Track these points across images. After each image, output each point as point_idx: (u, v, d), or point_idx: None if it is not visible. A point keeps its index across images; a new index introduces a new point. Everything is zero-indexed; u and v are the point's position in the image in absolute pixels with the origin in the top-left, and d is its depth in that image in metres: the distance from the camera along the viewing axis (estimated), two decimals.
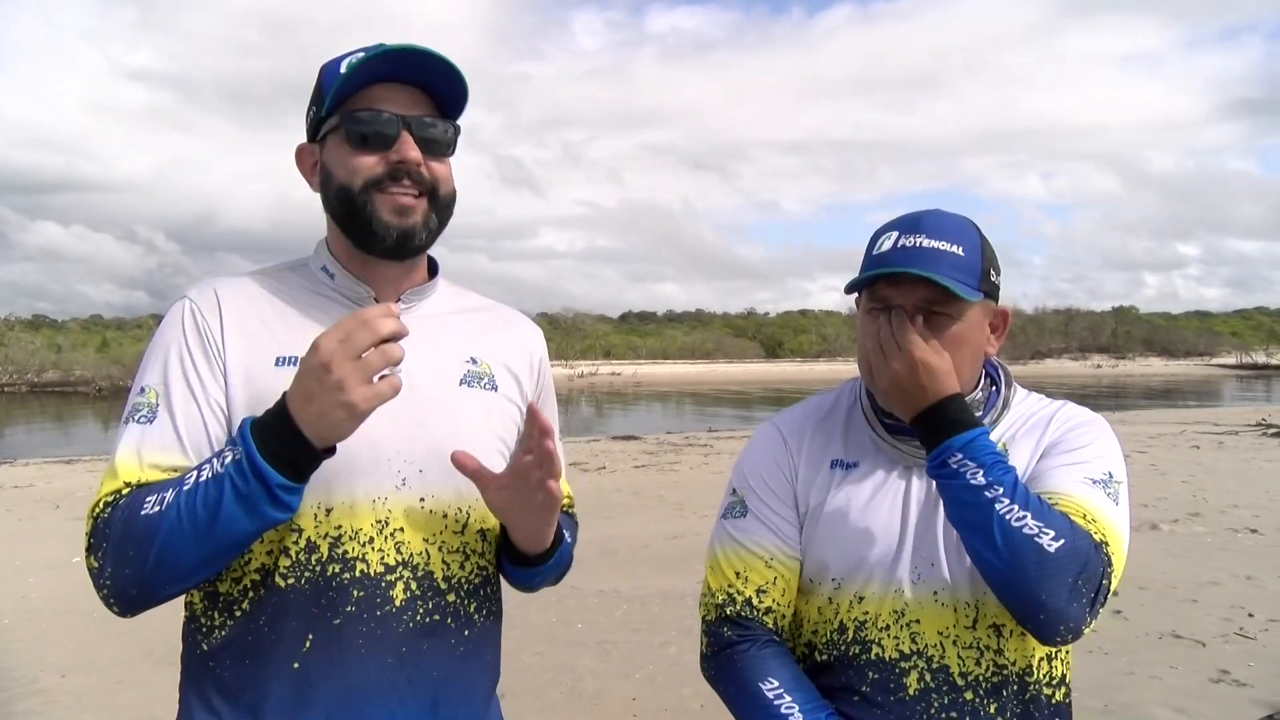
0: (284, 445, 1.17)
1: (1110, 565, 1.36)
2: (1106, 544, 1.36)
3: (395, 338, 1.15)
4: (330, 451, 1.21)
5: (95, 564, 1.26)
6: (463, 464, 1.30)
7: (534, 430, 1.25)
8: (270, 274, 1.46)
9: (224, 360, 1.35)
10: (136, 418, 1.32)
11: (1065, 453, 1.47)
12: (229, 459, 1.19)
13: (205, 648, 1.36)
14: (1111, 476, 1.45)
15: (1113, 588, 1.38)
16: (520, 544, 1.40)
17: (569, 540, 1.52)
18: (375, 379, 1.15)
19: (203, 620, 1.37)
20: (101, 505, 1.27)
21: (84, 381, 52.55)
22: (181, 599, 1.40)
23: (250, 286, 1.43)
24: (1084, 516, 1.37)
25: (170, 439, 1.31)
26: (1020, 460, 1.49)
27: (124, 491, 1.27)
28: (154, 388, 1.34)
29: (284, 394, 1.18)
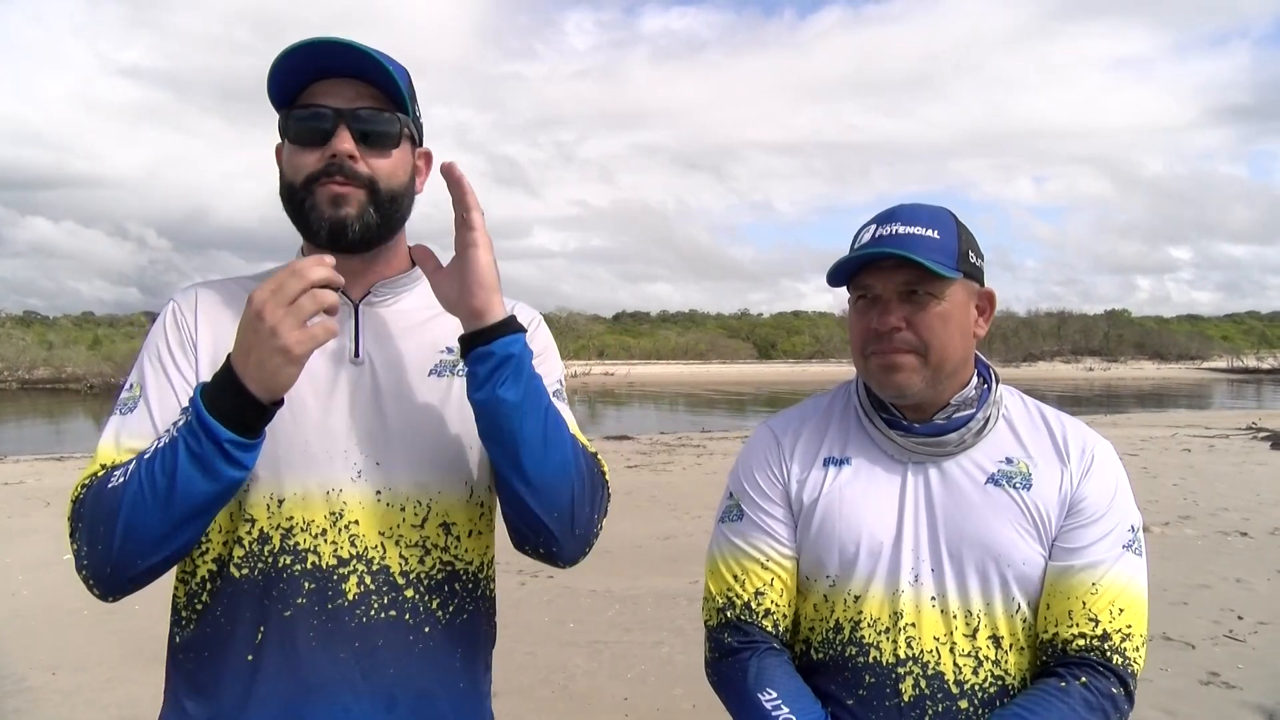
0: (230, 401, 1.18)
1: (1130, 679, 1.43)
2: (1125, 664, 1.43)
3: (328, 285, 1.17)
4: (278, 404, 1.21)
5: (74, 547, 1.28)
6: (420, 258, 1.36)
7: (451, 187, 1.28)
8: (254, 279, 1.49)
9: (197, 353, 1.39)
10: (121, 409, 1.37)
11: (1097, 519, 1.48)
12: (181, 422, 1.21)
13: (178, 640, 1.39)
14: (1134, 529, 1.50)
15: (1141, 657, 1.45)
16: (466, 323, 1.31)
17: (525, 344, 1.31)
18: (310, 323, 1.16)
19: (182, 614, 1.40)
20: (79, 488, 1.30)
21: (75, 378, 52.49)
22: (169, 594, 1.41)
23: (231, 289, 1.46)
24: (1111, 607, 1.44)
25: (145, 424, 1.34)
26: (1051, 486, 1.49)
27: (98, 474, 1.30)
28: (136, 382, 1.39)
29: (229, 354, 1.20)
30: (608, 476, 1.44)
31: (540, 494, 1.30)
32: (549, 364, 1.48)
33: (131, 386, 1.39)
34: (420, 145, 1.48)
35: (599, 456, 1.43)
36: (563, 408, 1.42)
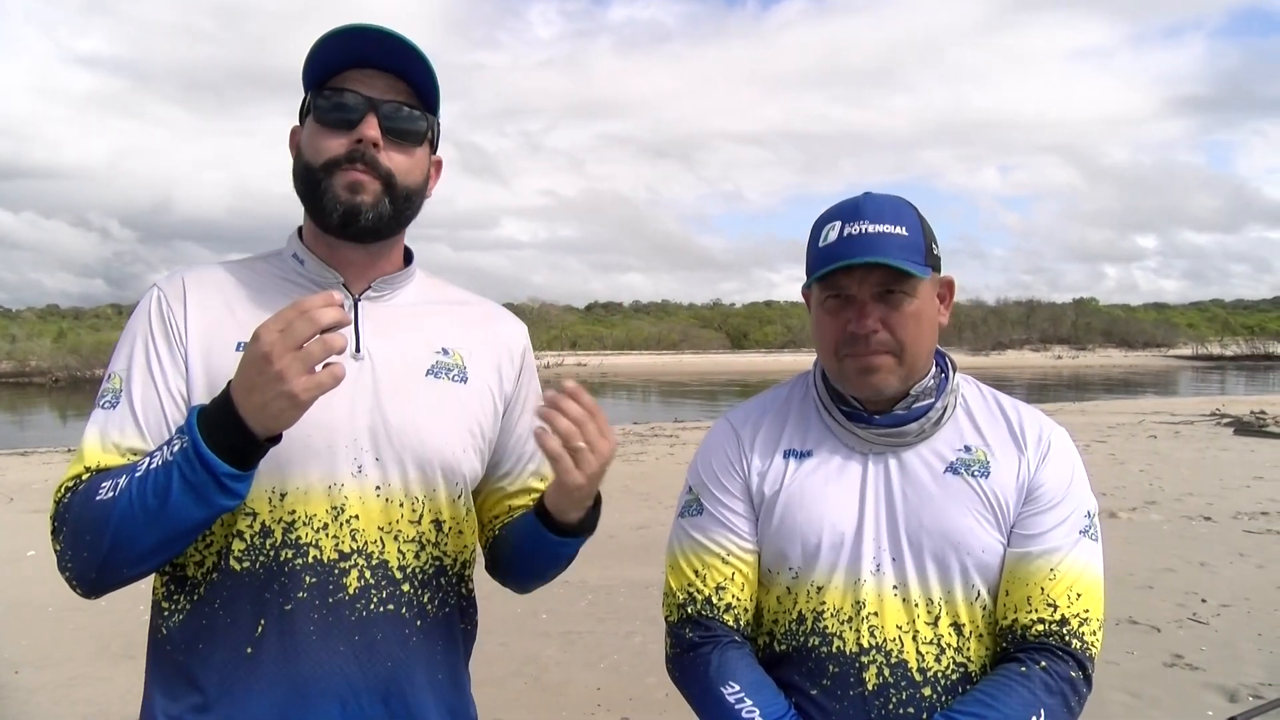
0: (228, 435, 1.17)
1: (1088, 663, 1.45)
2: (1084, 648, 1.45)
3: (336, 326, 1.14)
4: (275, 440, 1.20)
5: (57, 546, 1.29)
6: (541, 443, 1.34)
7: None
8: (242, 263, 1.48)
9: (185, 346, 1.37)
10: (102, 403, 1.36)
11: (1054, 505, 1.49)
12: (177, 447, 1.19)
13: (164, 632, 1.38)
14: (1090, 514, 1.52)
15: (1099, 640, 1.47)
16: (568, 514, 1.41)
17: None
18: (317, 368, 1.14)
19: (164, 605, 1.39)
20: (63, 490, 1.31)
21: (40, 372, 51.77)
22: (150, 587, 1.41)
23: (219, 274, 1.44)
24: (1069, 592, 1.45)
25: (129, 424, 1.34)
26: (1009, 474, 1.50)
27: (84, 477, 1.29)
28: (119, 374, 1.37)
29: (228, 383, 1.18)
30: None
31: (544, 581, 1.58)
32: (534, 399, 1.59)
33: (112, 377, 1.37)
34: (435, 151, 1.49)
35: None
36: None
